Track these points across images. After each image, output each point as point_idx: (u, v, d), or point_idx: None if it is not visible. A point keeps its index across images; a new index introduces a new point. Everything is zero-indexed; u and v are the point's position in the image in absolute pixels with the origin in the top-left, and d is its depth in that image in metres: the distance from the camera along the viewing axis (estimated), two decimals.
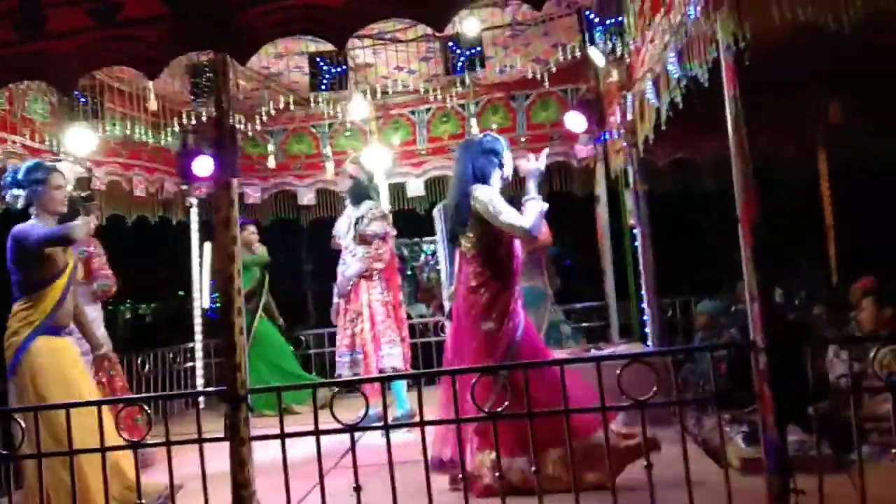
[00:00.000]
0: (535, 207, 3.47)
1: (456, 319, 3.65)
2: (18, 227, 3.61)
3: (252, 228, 6.60)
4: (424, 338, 7.18)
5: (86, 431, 3.15)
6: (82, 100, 4.73)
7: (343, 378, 5.11)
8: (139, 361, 6.13)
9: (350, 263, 5.41)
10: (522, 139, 6.70)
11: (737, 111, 2.72)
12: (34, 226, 3.61)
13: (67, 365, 3.59)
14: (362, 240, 5.33)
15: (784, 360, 2.63)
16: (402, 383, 5.40)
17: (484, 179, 3.59)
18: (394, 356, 5.24)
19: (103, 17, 2.72)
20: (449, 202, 3.79)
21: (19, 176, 3.68)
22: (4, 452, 2.99)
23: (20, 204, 3.67)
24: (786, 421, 2.61)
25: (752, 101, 2.76)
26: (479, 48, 4.18)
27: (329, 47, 3.79)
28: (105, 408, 3.33)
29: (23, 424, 2.89)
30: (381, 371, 5.11)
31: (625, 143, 5.17)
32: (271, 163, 6.86)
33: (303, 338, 7.24)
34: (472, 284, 3.50)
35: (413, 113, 7.11)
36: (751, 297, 2.67)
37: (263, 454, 2.77)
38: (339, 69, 3.82)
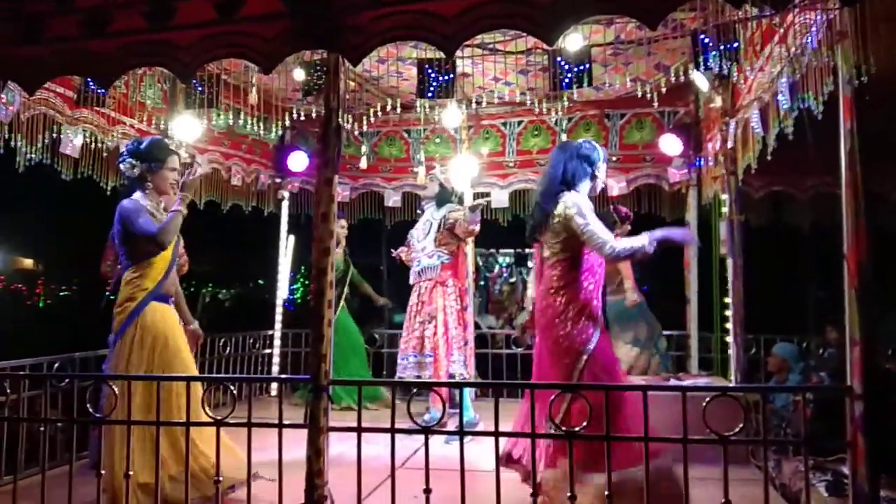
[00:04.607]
0: (640, 240, 3.33)
1: (536, 319, 3.59)
2: (124, 206, 3.70)
3: (343, 223, 6.76)
4: (495, 349, 7.15)
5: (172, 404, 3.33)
6: (199, 88, 4.93)
7: (407, 379, 5.17)
8: (221, 343, 6.33)
9: (425, 264, 5.49)
10: (614, 158, 6.63)
11: (852, 146, 2.61)
12: (137, 209, 3.67)
13: (175, 331, 3.73)
14: (449, 230, 5.45)
15: (880, 409, 2.50)
16: (468, 390, 5.42)
17: (573, 183, 3.51)
18: (460, 362, 5.32)
19: (227, 11, 2.85)
20: (534, 199, 3.70)
21: (141, 147, 3.79)
22: (98, 416, 3.15)
23: (135, 174, 3.77)
24: (879, 474, 2.48)
25: (868, 138, 2.65)
26: (587, 65, 4.14)
27: (436, 54, 3.83)
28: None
29: (116, 390, 3.04)
30: (450, 376, 5.16)
31: (723, 171, 5.03)
32: (363, 164, 6.96)
33: (377, 335, 7.33)
34: (552, 288, 3.44)
35: (504, 125, 7.15)
36: (851, 341, 2.55)
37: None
38: (446, 77, 3.85)
